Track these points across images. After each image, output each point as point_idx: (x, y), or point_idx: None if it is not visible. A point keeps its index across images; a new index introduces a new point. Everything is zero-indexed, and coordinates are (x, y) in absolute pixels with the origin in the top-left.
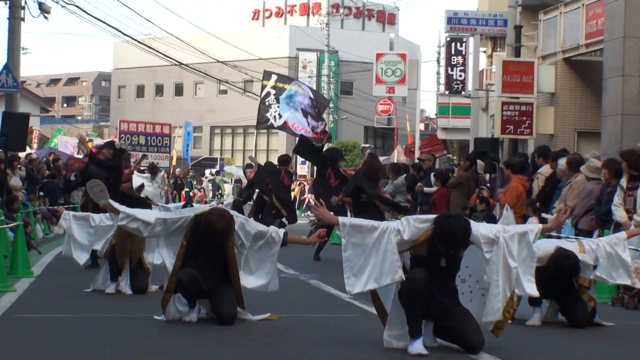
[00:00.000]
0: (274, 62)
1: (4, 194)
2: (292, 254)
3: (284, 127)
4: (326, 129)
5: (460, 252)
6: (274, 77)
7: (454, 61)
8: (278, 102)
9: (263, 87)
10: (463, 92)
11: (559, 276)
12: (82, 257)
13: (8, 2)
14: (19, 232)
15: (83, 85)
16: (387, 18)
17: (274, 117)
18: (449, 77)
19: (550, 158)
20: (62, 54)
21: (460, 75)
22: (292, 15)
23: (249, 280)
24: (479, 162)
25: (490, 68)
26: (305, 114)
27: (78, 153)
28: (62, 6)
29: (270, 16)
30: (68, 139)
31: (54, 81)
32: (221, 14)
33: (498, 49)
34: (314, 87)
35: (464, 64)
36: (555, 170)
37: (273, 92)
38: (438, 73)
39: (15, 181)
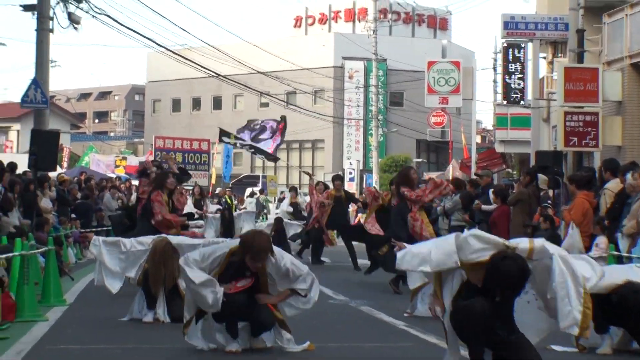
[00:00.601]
0: (318, 71)
1: (33, 217)
2: (342, 279)
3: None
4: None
5: (517, 293)
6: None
7: (511, 69)
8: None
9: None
10: (522, 102)
11: (626, 308)
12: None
13: (36, 13)
14: (51, 258)
15: (115, 100)
16: (438, 23)
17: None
18: (506, 86)
19: (618, 172)
20: (93, 67)
21: (519, 84)
22: (336, 21)
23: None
24: (541, 176)
25: (551, 75)
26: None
27: (111, 171)
28: (93, 16)
29: (313, 23)
30: (100, 157)
31: (85, 96)
32: (261, 22)
33: (559, 55)
34: (362, 98)
35: (522, 72)
36: (625, 185)
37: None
38: (495, 81)
39: (45, 203)
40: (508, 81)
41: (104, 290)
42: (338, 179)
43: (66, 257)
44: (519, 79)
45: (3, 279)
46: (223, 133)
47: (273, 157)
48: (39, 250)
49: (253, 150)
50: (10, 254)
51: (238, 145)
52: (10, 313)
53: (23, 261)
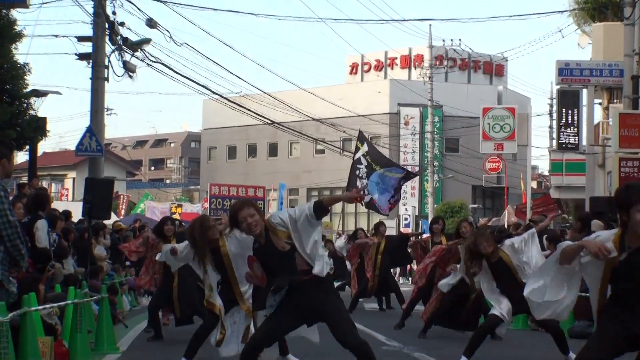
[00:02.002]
0: (374, 118)
1: (87, 265)
2: (394, 324)
3: (370, 204)
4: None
5: None
6: (365, 147)
7: (566, 115)
8: (367, 177)
9: (357, 148)
10: (577, 149)
11: None
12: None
13: (91, 61)
14: (104, 305)
15: (171, 147)
16: (494, 69)
17: (363, 191)
18: (560, 133)
19: None
20: (149, 114)
21: (574, 130)
22: (392, 68)
23: None
24: (596, 222)
25: (606, 121)
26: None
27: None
28: (148, 64)
29: (369, 70)
30: (155, 204)
31: (141, 143)
32: (317, 69)
33: (615, 100)
34: (417, 145)
35: (577, 118)
36: None
37: (364, 163)
38: (551, 127)
39: (99, 250)
40: (562, 128)
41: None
42: (382, 224)
43: (120, 304)
44: (573, 125)
45: (56, 327)
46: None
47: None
48: (92, 298)
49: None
50: (63, 303)
51: (364, 184)
52: None
53: (76, 309)
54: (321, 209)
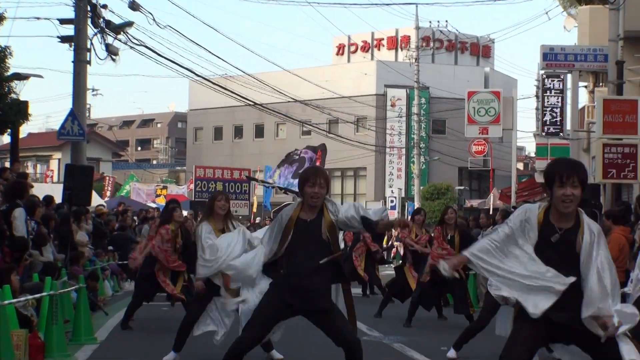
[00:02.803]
0: (360, 100)
1: (67, 251)
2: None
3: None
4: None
5: None
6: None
7: (550, 100)
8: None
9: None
10: (561, 134)
11: None
12: None
13: (73, 44)
14: (82, 295)
15: (158, 127)
16: (481, 51)
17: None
18: (544, 118)
19: None
20: (135, 95)
21: (558, 115)
22: (379, 49)
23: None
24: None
25: (592, 105)
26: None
27: (152, 200)
28: (131, 47)
29: (355, 51)
30: (141, 185)
31: (127, 123)
32: (303, 50)
33: (601, 84)
34: (404, 127)
35: (561, 103)
36: None
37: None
38: (537, 109)
39: (81, 236)
40: (546, 112)
41: (136, 326)
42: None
43: (102, 291)
44: (557, 110)
45: (32, 318)
46: (250, 179)
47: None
48: (69, 289)
49: (284, 190)
50: (38, 295)
51: (268, 186)
52: (39, 354)
53: (52, 301)
54: (370, 227)
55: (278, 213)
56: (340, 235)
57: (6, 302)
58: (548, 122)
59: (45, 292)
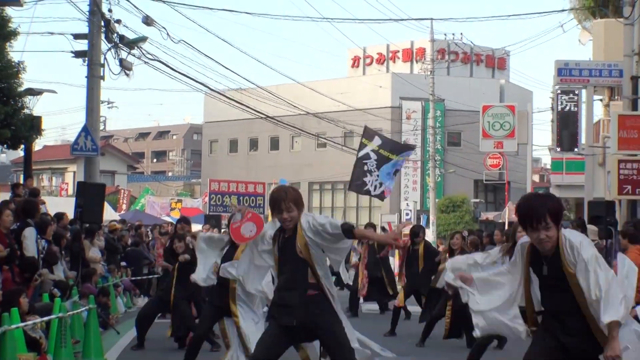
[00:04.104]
0: (375, 112)
1: (79, 268)
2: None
3: (381, 195)
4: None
5: None
6: (377, 141)
7: (565, 115)
8: (378, 169)
9: (362, 145)
10: (576, 149)
11: None
12: None
13: (87, 59)
14: (92, 316)
15: (174, 139)
16: (496, 63)
17: (374, 185)
18: (560, 133)
19: None
20: (150, 108)
21: (573, 130)
22: (394, 62)
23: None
24: (591, 227)
25: (607, 118)
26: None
27: (166, 214)
28: (145, 62)
29: (371, 63)
30: (156, 199)
31: (143, 135)
32: (318, 63)
33: (616, 97)
34: (419, 139)
35: (576, 118)
36: None
37: (374, 157)
38: (552, 121)
39: (93, 252)
40: (561, 127)
41: (149, 346)
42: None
43: (114, 308)
44: (572, 125)
45: (40, 341)
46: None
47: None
48: (78, 310)
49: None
50: (47, 318)
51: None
52: None
53: (61, 323)
54: (349, 232)
55: None
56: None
57: (14, 326)
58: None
59: (55, 314)
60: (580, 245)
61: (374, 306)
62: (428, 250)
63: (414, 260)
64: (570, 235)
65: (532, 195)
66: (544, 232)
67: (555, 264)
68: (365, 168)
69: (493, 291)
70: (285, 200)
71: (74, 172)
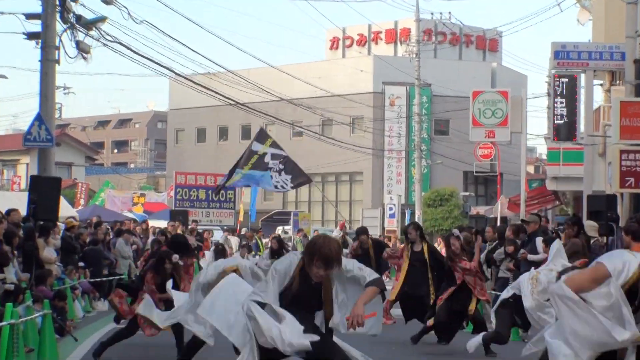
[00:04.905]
0: (356, 98)
1: (32, 270)
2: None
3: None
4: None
5: None
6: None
7: (562, 102)
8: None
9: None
10: (575, 139)
11: None
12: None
13: (40, 41)
14: (47, 322)
15: (136, 128)
16: (488, 44)
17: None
18: (556, 122)
19: None
20: (111, 94)
21: (570, 118)
22: (376, 43)
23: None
24: (589, 223)
25: (608, 105)
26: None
27: (128, 210)
28: (104, 44)
29: (351, 45)
30: (117, 193)
31: (102, 124)
32: (293, 44)
33: (618, 82)
34: (403, 127)
35: (574, 105)
36: None
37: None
38: (549, 108)
39: (48, 252)
40: (557, 116)
41: (108, 356)
42: (363, 233)
43: (72, 312)
44: (570, 112)
45: None
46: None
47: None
48: (32, 316)
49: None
50: None
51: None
52: None
53: (12, 330)
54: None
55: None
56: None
57: None
58: (561, 125)
59: (6, 320)
60: None
61: None
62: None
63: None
64: None
65: None
66: None
67: None
68: (273, 168)
69: None
70: (334, 262)
71: (27, 165)
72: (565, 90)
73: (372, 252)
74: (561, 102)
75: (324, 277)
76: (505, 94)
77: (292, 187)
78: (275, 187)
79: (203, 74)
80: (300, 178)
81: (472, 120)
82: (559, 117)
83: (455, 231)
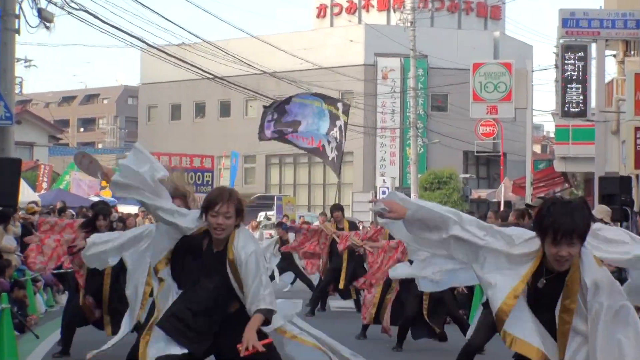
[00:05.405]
0: (346, 72)
1: None
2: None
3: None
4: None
5: None
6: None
7: (570, 75)
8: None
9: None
10: (585, 115)
11: None
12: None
13: None
14: (4, 318)
15: (104, 104)
16: (489, 12)
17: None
18: (564, 96)
19: None
20: (77, 67)
21: (580, 94)
22: (368, 11)
23: None
24: (601, 207)
25: (622, 78)
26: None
27: (95, 194)
28: (69, 12)
29: (340, 13)
30: (83, 176)
31: (68, 99)
32: (277, 12)
33: (633, 52)
34: (398, 103)
35: (584, 78)
36: None
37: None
38: (557, 81)
39: (7, 241)
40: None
41: (75, 354)
42: (338, 209)
43: (33, 307)
44: (580, 86)
45: None
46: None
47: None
48: None
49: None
50: None
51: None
52: None
53: None
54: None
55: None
56: None
57: None
58: (569, 103)
59: None
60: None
61: (346, 303)
62: None
63: None
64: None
65: (564, 204)
66: (567, 249)
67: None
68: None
69: None
70: (229, 201)
71: None
72: (575, 62)
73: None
74: (570, 75)
75: (222, 227)
76: (509, 66)
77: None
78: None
79: (178, 45)
80: (335, 166)
81: (473, 95)
82: (567, 91)
83: None
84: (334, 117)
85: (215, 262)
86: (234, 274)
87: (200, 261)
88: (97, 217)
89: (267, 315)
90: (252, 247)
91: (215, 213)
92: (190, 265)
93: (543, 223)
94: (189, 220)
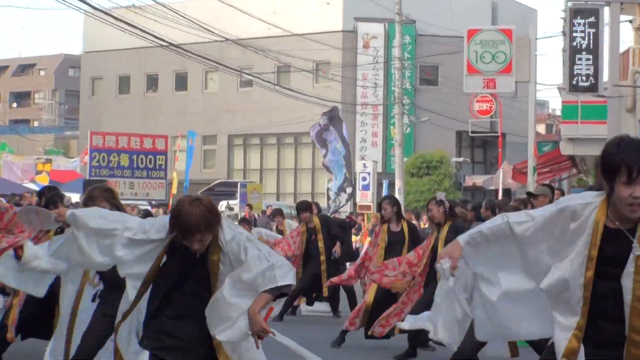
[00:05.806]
0: (321, 39)
1: None
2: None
3: None
4: None
5: None
6: None
7: (580, 44)
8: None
9: None
10: (596, 89)
11: None
12: None
13: None
14: None
15: (41, 76)
16: None
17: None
18: (573, 68)
19: None
20: (9, 34)
21: (591, 64)
22: None
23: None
24: None
25: (638, 47)
26: None
27: (30, 179)
28: None
29: None
30: (16, 159)
31: None
32: None
33: None
34: (381, 75)
35: (596, 47)
36: None
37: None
38: (564, 50)
39: None
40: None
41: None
42: (305, 209)
43: None
44: (590, 56)
45: None
46: None
47: None
48: None
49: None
50: None
51: None
52: None
53: None
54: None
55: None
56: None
57: None
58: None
59: None
60: None
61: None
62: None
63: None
64: None
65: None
66: None
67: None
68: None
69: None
70: (201, 231)
71: None
72: (585, 29)
73: (322, 234)
74: (579, 44)
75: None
76: (509, 33)
77: None
78: None
79: (126, 7)
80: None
81: (467, 66)
82: (576, 62)
83: (440, 194)
84: None
85: (196, 265)
86: (214, 277)
87: (180, 263)
88: (48, 206)
89: (274, 293)
90: (241, 235)
91: (188, 241)
92: (170, 267)
93: (614, 160)
94: (154, 231)
